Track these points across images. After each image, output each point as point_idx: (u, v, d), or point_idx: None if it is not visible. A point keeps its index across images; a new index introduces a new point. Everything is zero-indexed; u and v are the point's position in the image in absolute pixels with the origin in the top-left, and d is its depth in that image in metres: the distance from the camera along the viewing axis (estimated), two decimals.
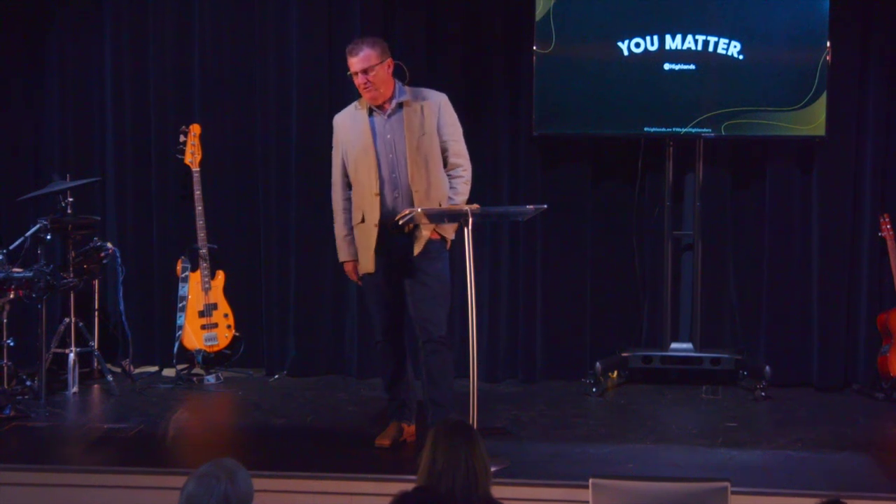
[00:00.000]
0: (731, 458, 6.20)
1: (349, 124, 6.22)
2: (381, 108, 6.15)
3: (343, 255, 6.34)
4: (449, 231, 6.16)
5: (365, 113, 6.16)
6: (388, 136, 6.13)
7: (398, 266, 6.17)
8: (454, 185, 6.21)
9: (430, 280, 6.16)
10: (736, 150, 7.92)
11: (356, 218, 6.20)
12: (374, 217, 6.11)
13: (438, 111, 6.18)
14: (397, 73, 6.21)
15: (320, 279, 8.10)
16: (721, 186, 7.93)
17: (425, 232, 6.10)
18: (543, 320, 8.01)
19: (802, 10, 7.50)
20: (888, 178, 7.77)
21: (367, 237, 6.14)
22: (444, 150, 6.19)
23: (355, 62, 6.06)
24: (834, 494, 3.55)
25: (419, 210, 5.91)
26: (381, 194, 6.10)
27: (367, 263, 6.17)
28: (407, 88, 6.21)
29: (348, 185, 6.25)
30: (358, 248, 6.23)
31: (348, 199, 6.25)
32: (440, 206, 6.09)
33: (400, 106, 6.15)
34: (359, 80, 6.07)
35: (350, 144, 6.18)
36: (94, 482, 5.90)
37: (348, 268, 6.36)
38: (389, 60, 6.12)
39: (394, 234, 6.09)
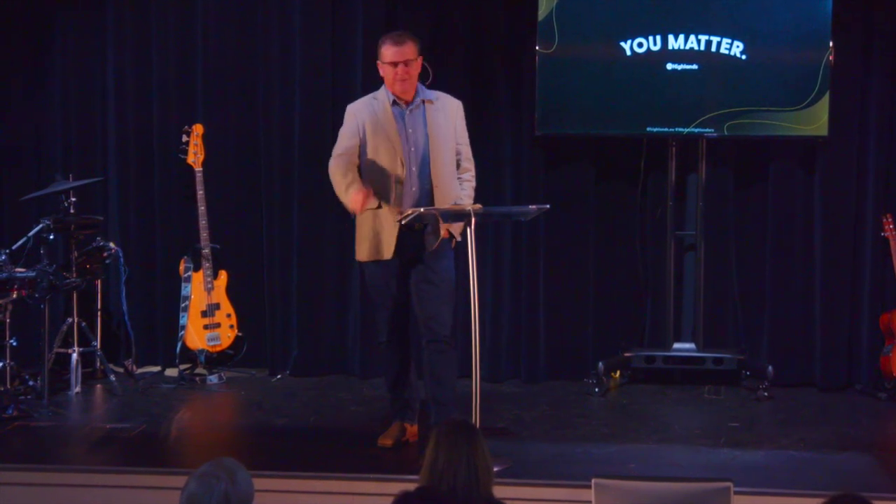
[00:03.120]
0: (733, 458, 6.20)
1: (369, 112, 6.20)
2: (403, 102, 6.17)
3: (353, 190, 6.02)
4: (458, 230, 6.16)
5: (388, 103, 6.17)
6: (410, 130, 6.16)
7: (408, 264, 6.18)
8: (464, 188, 6.28)
9: (436, 279, 6.16)
10: (738, 150, 7.92)
11: (370, 203, 6.17)
12: (395, 205, 6.10)
13: (456, 116, 6.28)
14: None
15: (323, 279, 8.11)
16: (724, 186, 7.93)
17: (442, 231, 6.12)
18: (546, 320, 8.01)
19: (805, 11, 7.50)
20: (891, 178, 7.77)
21: (388, 223, 6.11)
22: (457, 154, 6.26)
23: (400, 52, 6.09)
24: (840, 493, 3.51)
25: (422, 210, 5.93)
26: (404, 184, 6.12)
27: (387, 249, 6.13)
28: (427, 89, 6.24)
29: (354, 164, 6.16)
30: (366, 234, 6.16)
31: (350, 166, 6.13)
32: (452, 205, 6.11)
33: (422, 104, 6.18)
34: (398, 70, 6.09)
35: (371, 128, 6.16)
36: (96, 482, 5.90)
37: (359, 195, 5.99)
38: (421, 58, 6.19)
39: (406, 232, 6.09)
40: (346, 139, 6.22)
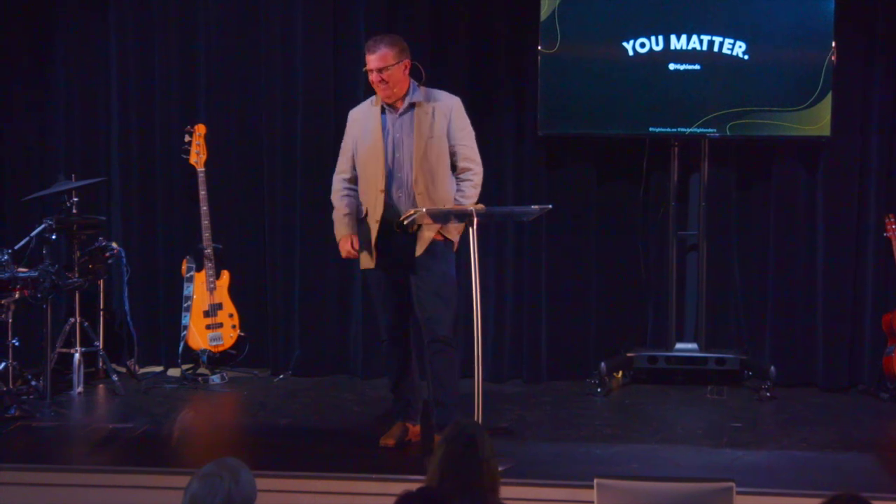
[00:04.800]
0: (736, 458, 6.20)
1: (362, 119, 6.24)
2: (393, 106, 6.16)
3: (342, 230, 6.27)
4: (453, 232, 6.16)
5: (378, 109, 6.18)
6: (397, 135, 6.15)
7: (402, 266, 6.17)
8: (461, 189, 6.20)
9: (434, 280, 6.15)
10: (741, 150, 7.92)
11: (361, 213, 6.23)
12: (376, 214, 6.13)
13: (450, 115, 6.20)
14: (413, 73, 6.22)
15: (325, 279, 8.10)
16: (726, 186, 7.93)
17: (427, 233, 6.11)
18: (548, 320, 8.01)
19: (807, 11, 7.49)
20: (893, 178, 7.76)
21: (368, 233, 6.17)
22: (452, 154, 6.20)
23: (372, 59, 6.07)
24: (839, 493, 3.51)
25: (423, 210, 5.93)
26: (387, 191, 6.11)
27: (367, 259, 6.19)
28: (421, 89, 6.22)
29: (353, 179, 6.27)
30: (363, 243, 6.23)
31: (349, 188, 6.27)
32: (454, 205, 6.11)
33: (412, 106, 6.16)
34: (373, 77, 6.09)
35: (360, 139, 6.21)
36: (98, 482, 5.91)
37: (345, 243, 6.28)
38: (407, 61, 6.14)
39: (396, 234, 6.09)
40: (343, 153, 6.34)
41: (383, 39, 6.14)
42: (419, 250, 6.12)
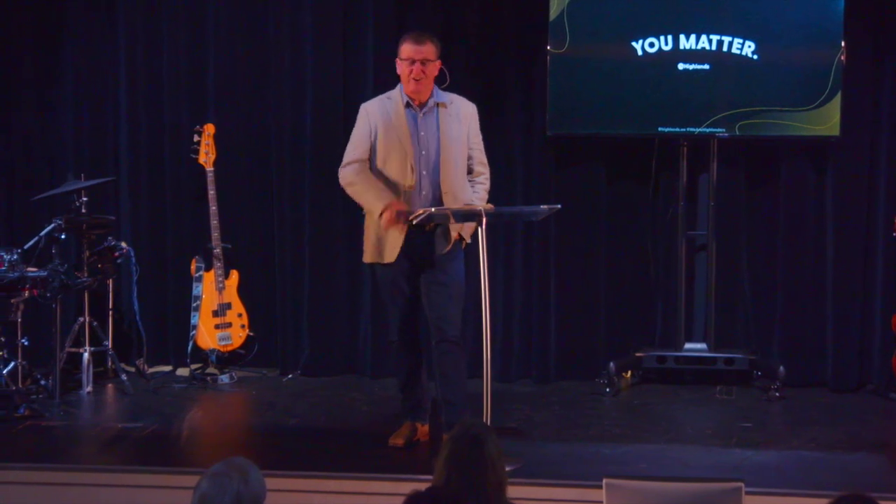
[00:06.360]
0: (745, 458, 6.19)
1: (382, 113, 6.18)
2: (417, 104, 6.17)
3: (385, 199, 6.03)
4: (468, 233, 6.17)
5: (401, 105, 6.17)
6: (423, 133, 6.15)
7: (418, 265, 6.18)
8: (477, 191, 6.27)
9: (447, 279, 6.16)
10: (750, 150, 7.91)
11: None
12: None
13: (470, 120, 6.26)
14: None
15: (334, 278, 8.11)
16: (735, 186, 7.92)
17: (453, 232, 6.12)
18: (557, 320, 8.01)
19: (817, 10, 7.48)
20: None
21: (395, 228, 6.11)
22: (469, 158, 6.25)
23: (419, 50, 6.08)
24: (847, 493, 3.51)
25: (433, 210, 5.93)
26: (414, 189, 6.12)
27: (392, 253, 6.13)
28: (442, 92, 6.24)
29: (367, 163, 6.18)
30: (371, 237, 6.19)
31: (364, 172, 6.15)
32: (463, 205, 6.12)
33: (436, 106, 6.17)
34: (413, 68, 6.07)
35: (383, 131, 6.15)
36: (107, 481, 5.91)
37: (392, 208, 5.99)
38: (439, 62, 6.18)
39: (416, 232, 6.09)
40: (358, 144, 6.21)
41: (428, 34, 6.19)
42: (445, 248, 6.13)
